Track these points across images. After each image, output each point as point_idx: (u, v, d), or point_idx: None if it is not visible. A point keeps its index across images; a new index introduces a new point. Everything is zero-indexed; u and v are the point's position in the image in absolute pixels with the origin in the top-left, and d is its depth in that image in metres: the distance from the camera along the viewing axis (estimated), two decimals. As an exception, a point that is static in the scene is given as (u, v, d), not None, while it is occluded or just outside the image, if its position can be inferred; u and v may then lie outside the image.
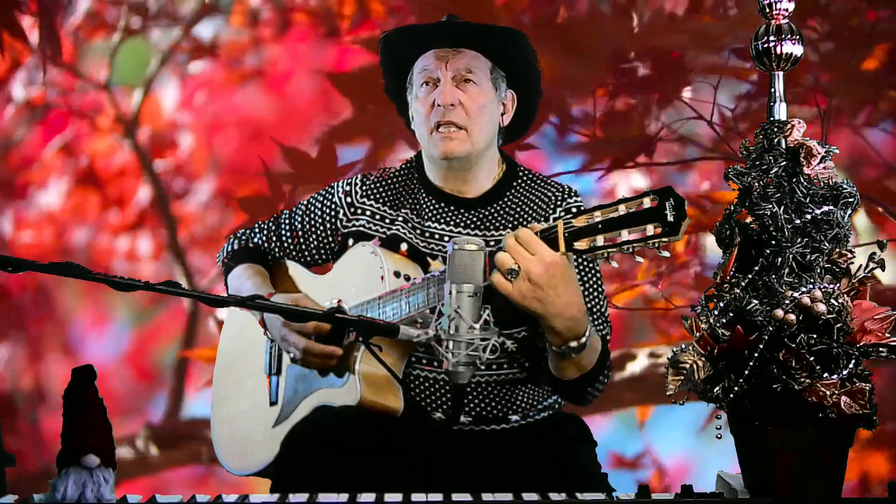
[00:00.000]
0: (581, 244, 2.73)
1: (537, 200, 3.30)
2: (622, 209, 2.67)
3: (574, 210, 3.25)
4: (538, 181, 3.35)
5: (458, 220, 3.31)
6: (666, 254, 2.66)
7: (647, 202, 2.64)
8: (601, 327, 3.23)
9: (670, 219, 2.61)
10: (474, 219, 3.30)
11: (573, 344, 2.93)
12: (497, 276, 2.80)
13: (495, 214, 3.30)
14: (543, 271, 2.80)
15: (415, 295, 3.09)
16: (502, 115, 3.33)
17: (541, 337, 2.99)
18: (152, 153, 5.20)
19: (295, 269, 3.46)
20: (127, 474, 5.07)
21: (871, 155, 5.03)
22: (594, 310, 3.22)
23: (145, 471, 5.16)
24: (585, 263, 3.25)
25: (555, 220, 2.90)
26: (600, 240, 2.70)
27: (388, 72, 3.39)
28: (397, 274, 3.20)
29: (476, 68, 3.26)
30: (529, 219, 3.28)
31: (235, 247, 3.53)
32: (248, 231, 3.54)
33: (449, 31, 3.28)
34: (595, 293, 3.25)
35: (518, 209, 3.30)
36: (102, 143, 5.20)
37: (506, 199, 3.32)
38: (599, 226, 2.70)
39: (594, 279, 3.26)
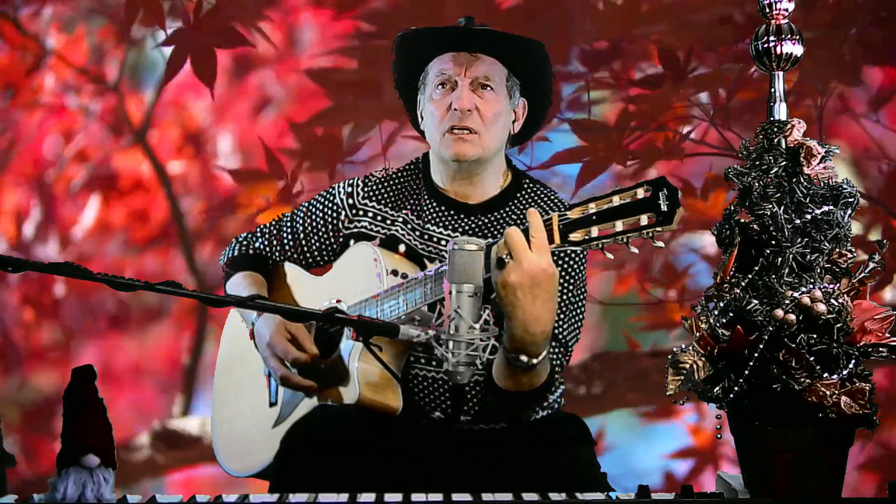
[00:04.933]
0: (576, 236, 2.73)
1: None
2: (616, 200, 2.68)
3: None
4: (543, 194, 3.34)
5: (458, 225, 3.31)
6: (660, 244, 2.67)
7: (640, 193, 2.65)
8: (555, 354, 3.17)
9: (664, 208, 2.62)
10: (474, 225, 3.30)
11: (523, 358, 2.86)
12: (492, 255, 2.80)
13: (496, 222, 3.30)
14: (538, 273, 2.75)
15: (412, 292, 3.09)
16: (513, 122, 3.33)
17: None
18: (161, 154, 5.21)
19: (293, 275, 3.46)
20: (133, 475, 5.08)
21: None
22: (556, 333, 3.17)
23: (152, 472, 5.16)
24: (569, 285, 3.23)
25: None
26: (595, 231, 2.71)
27: (401, 69, 3.39)
28: (395, 272, 3.21)
29: (493, 75, 3.26)
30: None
31: (236, 252, 3.53)
32: (249, 235, 3.55)
33: (471, 37, 3.27)
34: (563, 314, 3.21)
35: (519, 219, 3.29)
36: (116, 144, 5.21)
37: (508, 209, 3.32)
38: (594, 217, 2.71)
39: (570, 302, 3.24)
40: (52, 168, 5.19)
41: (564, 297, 3.23)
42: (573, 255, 3.25)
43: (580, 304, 3.28)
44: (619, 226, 2.67)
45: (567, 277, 3.23)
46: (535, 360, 2.86)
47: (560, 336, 3.20)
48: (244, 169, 5.16)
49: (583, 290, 3.29)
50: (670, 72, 4.97)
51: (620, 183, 4.74)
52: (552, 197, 3.35)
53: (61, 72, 5.18)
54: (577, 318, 3.27)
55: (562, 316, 3.21)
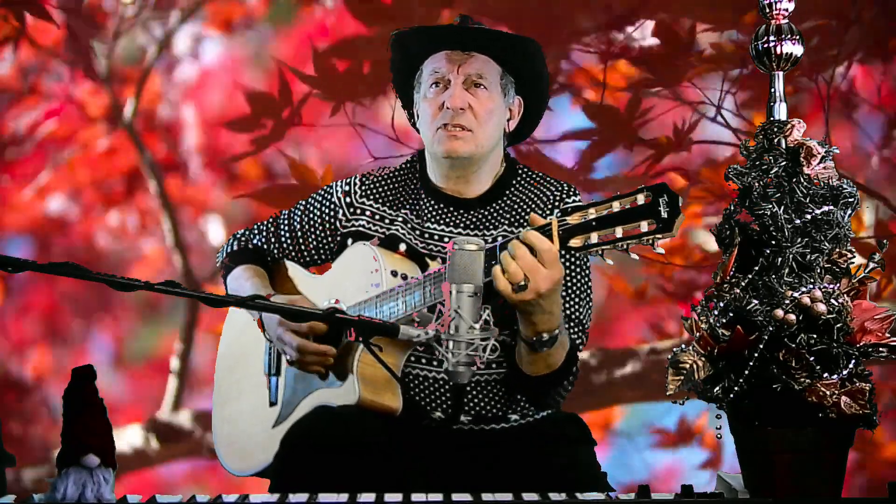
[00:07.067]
0: (575, 242, 2.74)
1: (536, 199, 3.30)
2: (616, 206, 2.68)
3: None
4: (537, 179, 3.35)
5: (457, 221, 3.31)
6: (660, 250, 2.66)
7: (640, 199, 2.65)
8: (576, 334, 3.21)
9: (664, 215, 2.62)
10: (473, 219, 3.30)
11: (545, 336, 2.96)
12: (502, 283, 2.82)
13: (494, 214, 3.30)
14: (552, 286, 2.85)
15: (412, 294, 3.09)
16: (508, 120, 3.34)
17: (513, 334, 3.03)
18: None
19: (294, 270, 3.46)
20: (127, 468, 5.08)
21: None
22: (572, 315, 3.21)
23: (145, 464, 5.17)
24: (576, 268, 3.25)
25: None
26: (594, 237, 2.71)
27: (398, 68, 3.40)
28: (394, 273, 3.21)
29: (486, 73, 3.27)
30: (528, 218, 3.28)
31: (234, 248, 3.53)
32: (247, 232, 3.55)
33: (463, 35, 3.28)
34: (578, 298, 3.24)
35: (517, 208, 3.30)
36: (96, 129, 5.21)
37: (504, 199, 3.32)
38: (593, 223, 2.71)
39: (581, 284, 3.25)
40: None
41: (575, 279, 3.24)
42: None
43: (588, 282, 3.29)
44: (618, 232, 2.67)
45: (574, 261, 3.24)
46: (556, 332, 2.97)
47: (574, 316, 3.22)
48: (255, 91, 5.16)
49: (588, 269, 3.30)
50: (680, 53, 5.00)
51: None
52: (549, 182, 3.34)
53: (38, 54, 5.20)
54: (588, 298, 3.28)
55: (575, 298, 3.23)
